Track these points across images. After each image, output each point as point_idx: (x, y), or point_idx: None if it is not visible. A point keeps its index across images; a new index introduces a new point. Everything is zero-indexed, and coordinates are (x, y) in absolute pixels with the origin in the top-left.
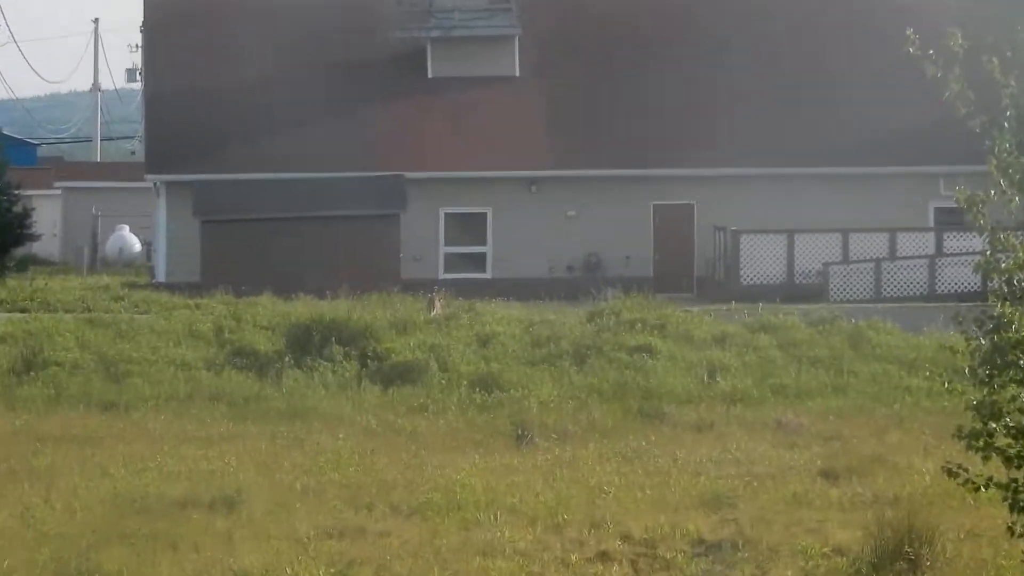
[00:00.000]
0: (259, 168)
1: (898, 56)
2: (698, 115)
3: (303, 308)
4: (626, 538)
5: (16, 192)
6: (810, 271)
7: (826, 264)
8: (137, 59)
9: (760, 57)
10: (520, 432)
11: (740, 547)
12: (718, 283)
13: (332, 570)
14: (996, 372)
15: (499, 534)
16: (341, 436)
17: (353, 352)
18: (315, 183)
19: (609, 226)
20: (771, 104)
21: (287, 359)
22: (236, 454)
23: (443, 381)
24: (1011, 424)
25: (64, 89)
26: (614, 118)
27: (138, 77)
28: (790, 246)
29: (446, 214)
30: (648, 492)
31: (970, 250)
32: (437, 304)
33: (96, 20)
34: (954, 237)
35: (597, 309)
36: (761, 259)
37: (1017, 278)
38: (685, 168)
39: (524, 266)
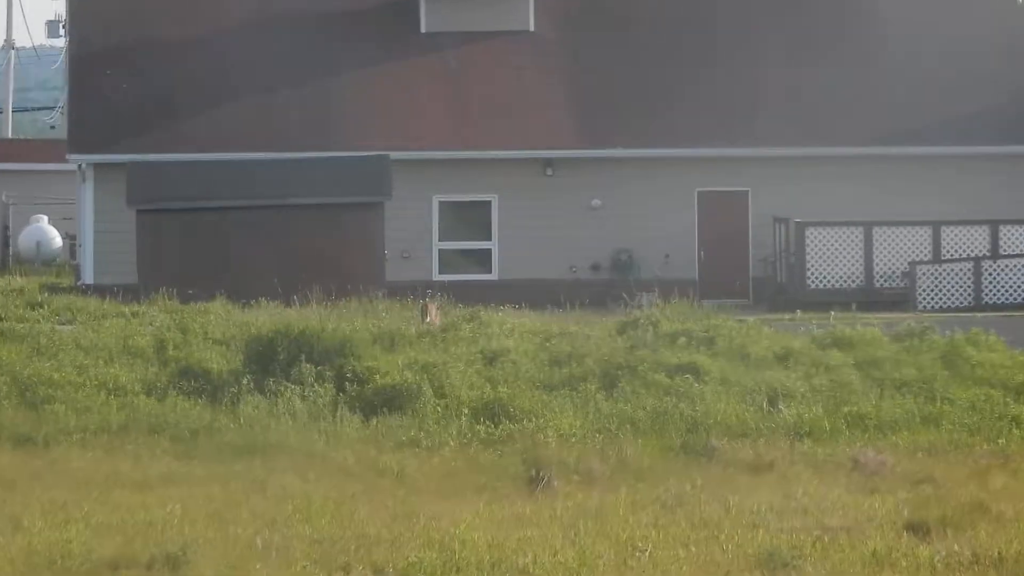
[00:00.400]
0: (210, 146)
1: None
2: (755, 83)
3: (265, 317)
4: None
5: None
6: (893, 272)
7: (913, 264)
8: (60, 8)
9: (832, 14)
10: (535, 473)
11: None
12: (779, 287)
13: None
14: None
15: None
16: (312, 478)
17: (328, 373)
18: (280, 165)
19: (644, 218)
20: (844, 71)
21: (245, 381)
22: (182, 501)
23: (439, 409)
24: None
25: None
26: (651, 86)
27: (61, 31)
28: (868, 242)
29: (441, 203)
30: (693, 549)
31: None
32: (432, 312)
33: None
34: None
35: (630, 319)
36: (832, 257)
37: None
38: (738, 147)
39: (539, 266)
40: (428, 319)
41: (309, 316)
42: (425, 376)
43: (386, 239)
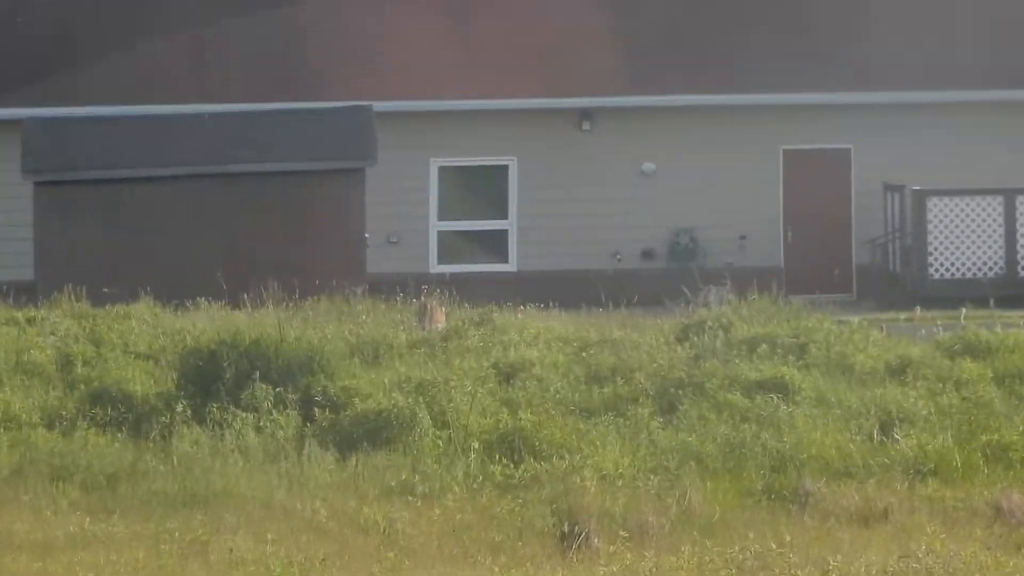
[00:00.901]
0: (131, 96)
1: None
2: (858, 8)
3: (206, 323)
4: None
5: None
6: None
7: None
8: None
9: None
10: (568, 528)
11: None
12: (891, 277)
13: None
14: None
15: None
16: (271, 537)
17: (290, 396)
18: (225, 121)
19: (711, 187)
20: None
21: (180, 408)
22: (96, 570)
23: (440, 443)
24: None
25: None
26: (720, 13)
27: None
28: (1010, 216)
29: (442, 169)
30: None
31: None
32: (436, 314)
33: None
34: None
35: (693, 321)
36: (962, 236)
37: None
38: (835, 92)
39: (571, 252)
40: (427, 323)
41: (265, 321)
42: (421, 399)
43: (368, 218)
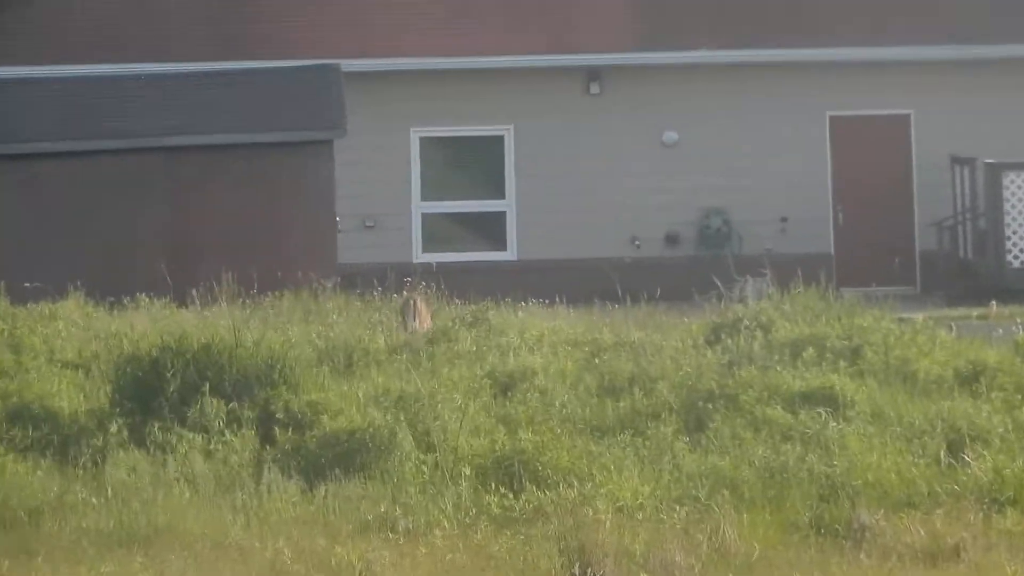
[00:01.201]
0: (54, 55)
1: None
2: None
3: (147, 325)
4: None
5: None
6: None
7: None
8: None
9: None
10: (579, 570)
11: None
12: (962, 266)
13: None
14: None
15: None
16: None
17: (247, 413)
18: (169, 84)
19: (746, 159)
20: None
21: (115, 428)
22: None
23: (425, 469)
24: None
25: None
26: None
27: None
28: None
29: (425, 141)
30: None
31: None
32: (421, 312)
33: None
34: None
35: (726, 319)
36: None
37: None
38: (891, 46)
39: (581, 238)
40: (413, 323)
41: (217, 322)
42: (402, 416)
43: (339, 199)
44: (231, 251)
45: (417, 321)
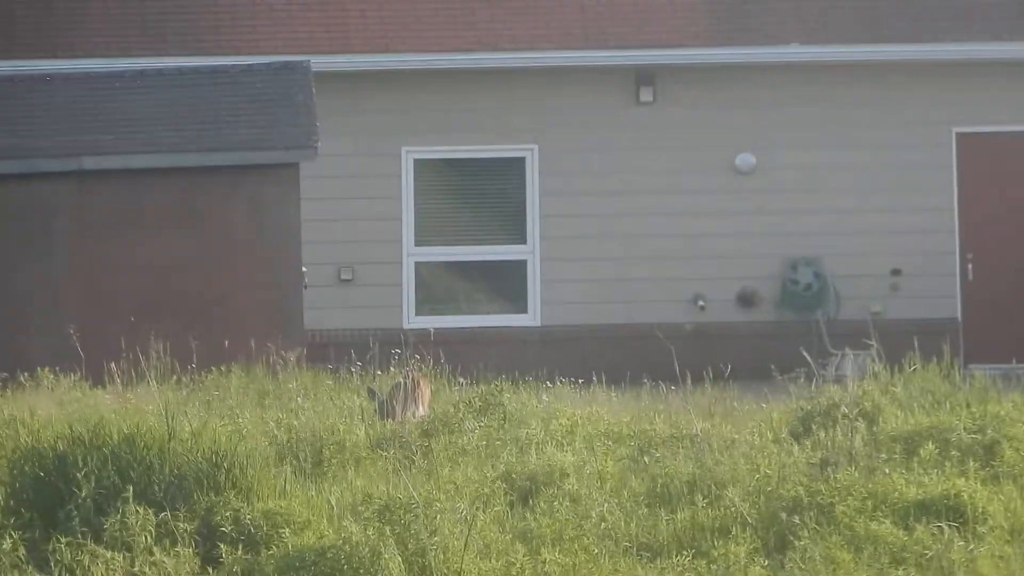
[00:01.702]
0: None
1: None
2: None
3: (50, 409)
4: None
5: None
6: None
7: None
8: None
9: None
10: None
11: None
12: None
13: None
14: None
15: None
16: None
17: (183, 524)
18: (85, 87)
19: (847, 193)
20: None
21: (10, 545)
22: None
23: None
24: None
25: None
26: None
27: None
28: None
29: (420, 163)
30: None
31: None
32: (422, 395)
33: None
34: None
35: (817, 406)
36: None
37: None
38: None
39: (627, 295)
40: (402, 408)
41: (143, 407)
42: (389, 530)
43: (306, 243)
44: (162, 312)
45: (418, 406)
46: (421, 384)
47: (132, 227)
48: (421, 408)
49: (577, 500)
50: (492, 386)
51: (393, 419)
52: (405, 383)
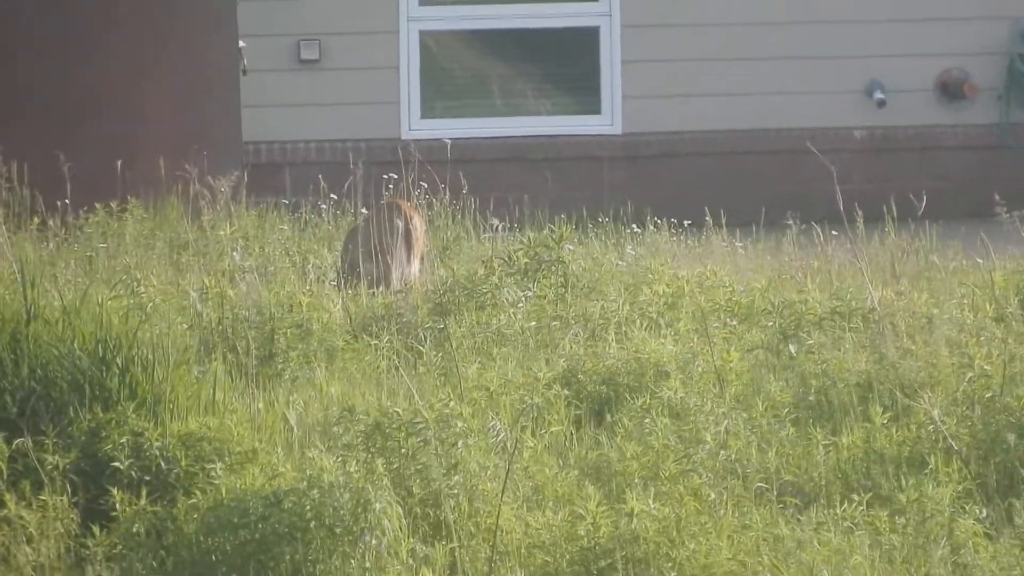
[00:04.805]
0: None
1: None
2: None
3: None
4: None
5: None
6: None
7: None
8: None
9: None
10: None
11: None
12: None
13: None
14: None
15: None
16: None
17: (53, 456)
18: None
19: None
20: None
21: None
22: None
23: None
24: None
25: None
26: None
27: None
28: None
29: None
30: None
31: None
32: (411, 232)
33: None
34: None
35: None
36: None
37: None
38: None
39: (759, 87)
40: (406, 266)
41: None
42: (381, 463)
43: (244, 2)
44: (30, 117)
45: (409, 261)
46: (412, 218)
47: None
48: (414, 263)
49: (682, 415)
50: (545, 232)
51: (382, 281)
52: (380, 217)
